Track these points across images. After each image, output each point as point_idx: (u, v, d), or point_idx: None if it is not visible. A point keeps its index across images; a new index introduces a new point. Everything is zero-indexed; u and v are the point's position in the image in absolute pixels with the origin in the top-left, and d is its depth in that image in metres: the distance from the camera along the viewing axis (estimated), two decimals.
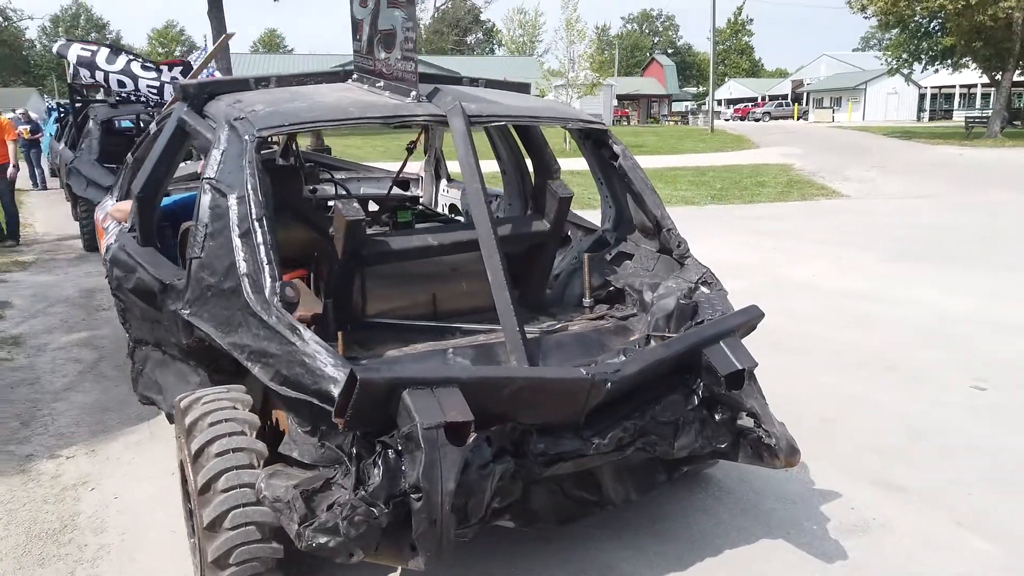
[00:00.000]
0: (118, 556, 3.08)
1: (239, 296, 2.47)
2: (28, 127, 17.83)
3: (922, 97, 53.45)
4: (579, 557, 3.01)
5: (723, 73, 76.51)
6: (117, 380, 5.01)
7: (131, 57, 9.39)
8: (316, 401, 2.22)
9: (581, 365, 2.62)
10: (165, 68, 9.19)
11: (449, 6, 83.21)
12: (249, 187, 2.58)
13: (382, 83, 3.23)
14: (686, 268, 3.22)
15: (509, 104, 3.35)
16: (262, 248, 2.49)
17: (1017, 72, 29.50)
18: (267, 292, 2.41)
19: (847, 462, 3.76)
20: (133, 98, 9.37)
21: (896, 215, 12.13)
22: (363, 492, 2.01)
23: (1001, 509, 3.34)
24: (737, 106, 64.29)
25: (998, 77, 29.71)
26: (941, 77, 45.12)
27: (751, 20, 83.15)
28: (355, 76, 3.49)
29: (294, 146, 5.19)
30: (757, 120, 54.80)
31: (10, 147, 10.05)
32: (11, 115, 16.69)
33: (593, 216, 4.22)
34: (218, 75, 9.21)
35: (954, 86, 50.45)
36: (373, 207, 4.65)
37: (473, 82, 3.84)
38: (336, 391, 2.12)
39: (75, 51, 9.35)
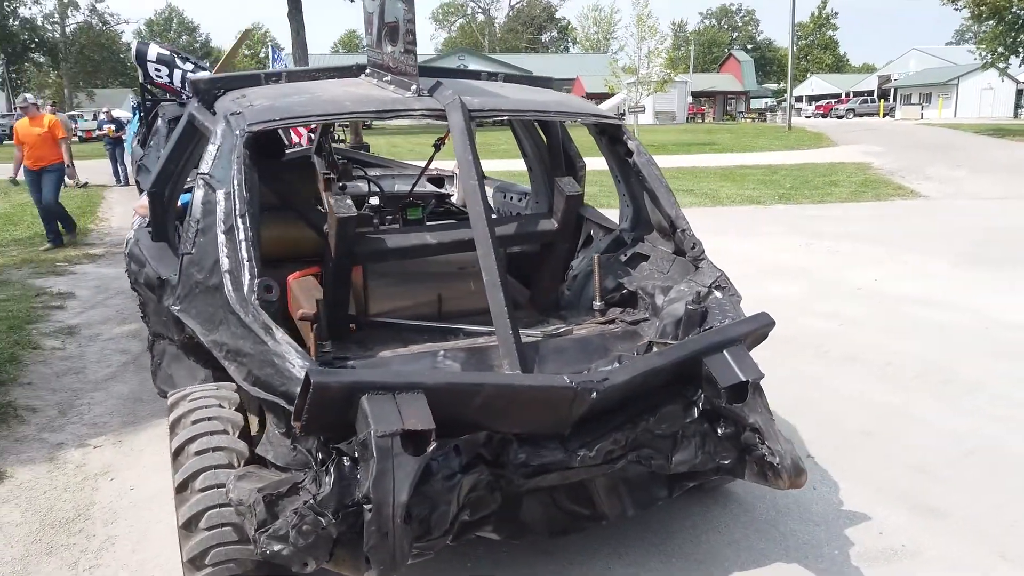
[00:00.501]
0: (122, 547, 3.12)
1: (221, 293, 2.45)
2: (112, 126, 18.66)
3: (1019, 93, 50.45)
4: (578, 572, 2.89)
5: (805, 69, 74.20)
6: None
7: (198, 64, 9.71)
8: (283, 403, 2.17)
9: (574, 372, 2.49)
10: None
11: (524, 4, 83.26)
12: (235, 182, 2.56)
13: (389, 77, 3.17)
14: (700, 271, 3.04)
15: (516, 99, 3.24)
16: (243, 245, 2.45)
17: None
18: (245, 289, 2.38)
19: (882, 482, 3.50)
20: None
21: (977, 217, 11.43)
22: (311, 500, 1.94)
23: None
24: (819, 103, 62.13)
25: None
26: None
27: (836, 14, 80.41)
28: (368, 71, 3.44)
29: (327, 143, 5.20)
30: (840, 117, 52.83)
31: (63, 147, 9.66)
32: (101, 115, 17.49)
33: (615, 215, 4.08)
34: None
35: None
36: (375, 202, 4.59)
37: (491, 76, 3.74)
38: None
39: (155, 49, 9.75)
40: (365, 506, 1.91)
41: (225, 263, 2.46)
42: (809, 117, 55.35)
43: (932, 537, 3.07)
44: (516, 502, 2.56)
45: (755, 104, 64.18)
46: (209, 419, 2.51)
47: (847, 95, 62.14)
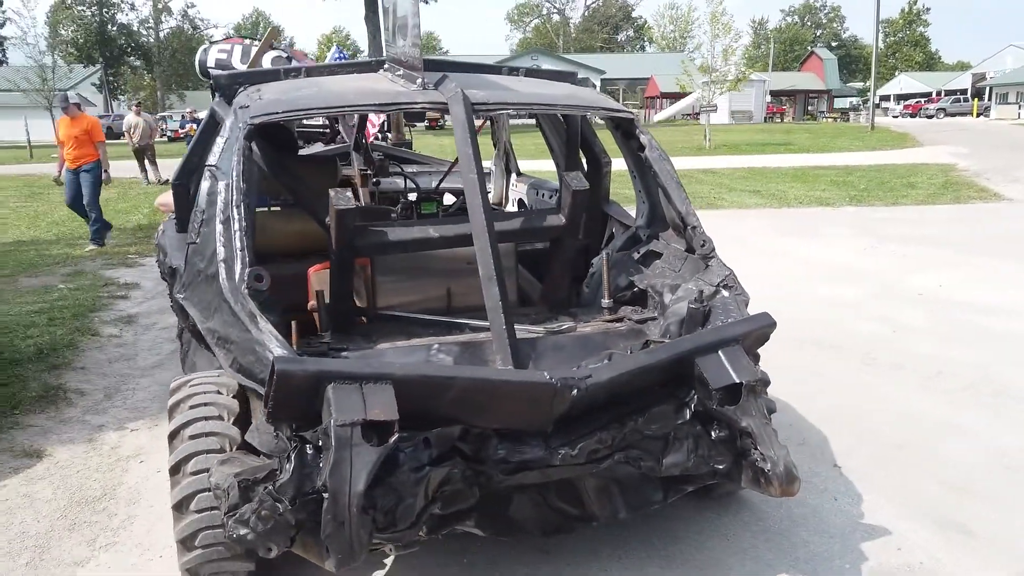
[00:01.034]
0: (140, 526, 3.23)
1: (217, 281, 2.51)
2: (194, 125, 19.54)
3: None
4: (574, 573, 2.84)
5: (893, 67, 71.32)
6: None
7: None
8: (260, 390, 2.20)
9: (564, 369, 2.45)
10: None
11: (600, 3, 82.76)
12: (234, 174, 2.62)
13: (401, 71, 3.19)
14: (709, 270, 2.95)
15: (523, 92, 3.21)
16: (238, 235, 2.50)
17: None
18: (236, 278, 2.43)
19: (910, 496, 3.32)
20: None
21: None
22: (271, 487, 1.96)
23: None
24: (908, 102, 59.58)
25: None
26: None
27: (928, 9, 76.97)
28: (386, 66, 3.47)
29: (363, 140, 5.30)
30: (930, 117, 50.56)
31: (100, 149, 9.53)
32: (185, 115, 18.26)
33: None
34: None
35: None
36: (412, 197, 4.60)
37: (512, 71, 3.72)
38: None
39: (213, 55, 10.07)
40: (325, 495, 1.92)
41: (221, 252, 2.52)
42: (896, 117, 53.19)
43: (954, 555, 2.89)
44: (505, 499, 2.54)
45: (838, 104, 62.05)
46: (205, 404, 2.57)
47: (938, 94, 59.41)
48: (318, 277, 3.25)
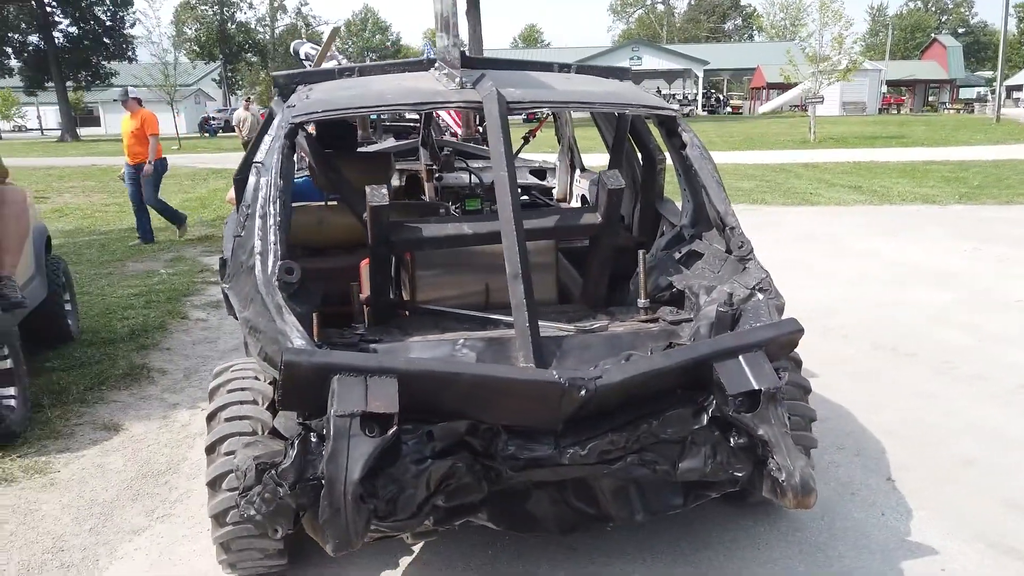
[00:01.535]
0: (195, 500, 3.44)
1: (254, 274, 2.64)
2: None
3: None
4: (595, 571, 2.84)
5: None
6: None
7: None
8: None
9: (576, 369, 2.44)
10: None
11: None
12: (273, 170, 2.74)
13: (446, 69, 3.24)
14: (746, 271, 2.87)
15: (562, 90, 3.20)
16: (272, 228, 2.62)
17: None
18: (269, 270, 2.55)
19: (966, 515, 3.13)
20: None
21: None
22: (274, 472, 2.06)
23: None
24: None
25: None
26: None
27: None
28: (437, 64, 3.54)
29: (431, 135, 5.41)
30: None
31: (152, 142, 9.45)
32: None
33: None
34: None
35: None
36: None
37: (563, 68, 3.71)
38: None
39: (307, 48, 10.49)
40: (324, 482, 2.00)
41: (258, 245, 2.64)
42: None
43: None
44: (524, 495, 2.56)
45: (964, 94, 58.30)
46: (242, 389, 2.72)
47: None
48: (366, 270, 3.36)
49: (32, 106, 54.42)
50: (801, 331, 2.48)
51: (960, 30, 75.28)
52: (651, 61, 55.10)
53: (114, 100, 13.78)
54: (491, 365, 2.47)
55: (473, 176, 5.09)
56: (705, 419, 2.41)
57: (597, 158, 8.21)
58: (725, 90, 66.44)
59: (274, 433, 2.59)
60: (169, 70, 33.85)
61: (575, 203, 5.39)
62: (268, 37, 66.22)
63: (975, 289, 6.63)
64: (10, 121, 54.90)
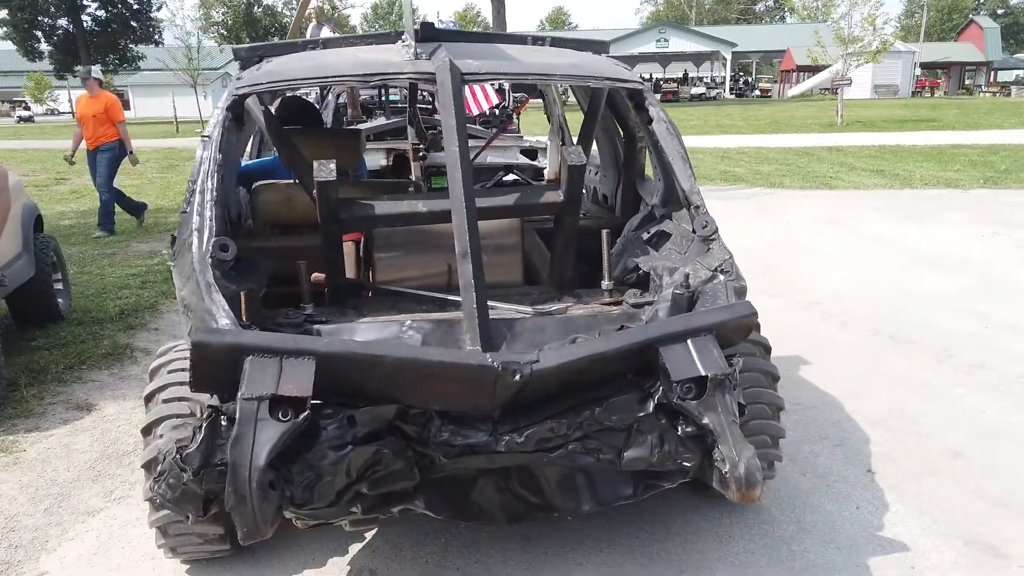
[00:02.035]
0: None
1: (191, 250, 2.56)
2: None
3: None
4: (548, 562, 2.74)
5: None
6: None
7: None
8: None
9: (513, 353, 2.33)
10: None
11: None
12: (214, 144, 2.65)
13: (409, 41, 3.13)
14: (710, 253, 2.73)
15: (522, 62, 3.06)
16: (209, 204, 2.54)
17: None
18: (203, 247, 2.46)
19: (945, 510, 2.98)
20: None
21: None
22: (178, 456, 1.97)
23: None
24: None
25: None
26: None
27: None
28: (404, 36, 3.42)
29: (416, 114, 5.30)
30: None
31: (121, 129, 8.94)
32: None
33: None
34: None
35: None
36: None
37: (537, 41, 3.58)
38: None
39: (327, 32, 10.41)
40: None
41: (195, 221, 2.56)
42: None
43: None
44: (468, 483, 2.47)
45: (1001, 76, 56.70)
46: (183, 370, 2.64)
47: None
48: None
49: (64, 90, 55.13)
50: (755, 314, 2.34)
51: (999, 11, 73.12)
52: (678, 43, 54.30)
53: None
54: (418, 348, 2.37)
55: None
56: (651, 406, 2.29)
57: None
58: (754, 73, 65.34)
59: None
60: (192, 53, 34.00)
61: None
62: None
63: (986, 276, 6.38)
64: (43, 104, 55.78)
